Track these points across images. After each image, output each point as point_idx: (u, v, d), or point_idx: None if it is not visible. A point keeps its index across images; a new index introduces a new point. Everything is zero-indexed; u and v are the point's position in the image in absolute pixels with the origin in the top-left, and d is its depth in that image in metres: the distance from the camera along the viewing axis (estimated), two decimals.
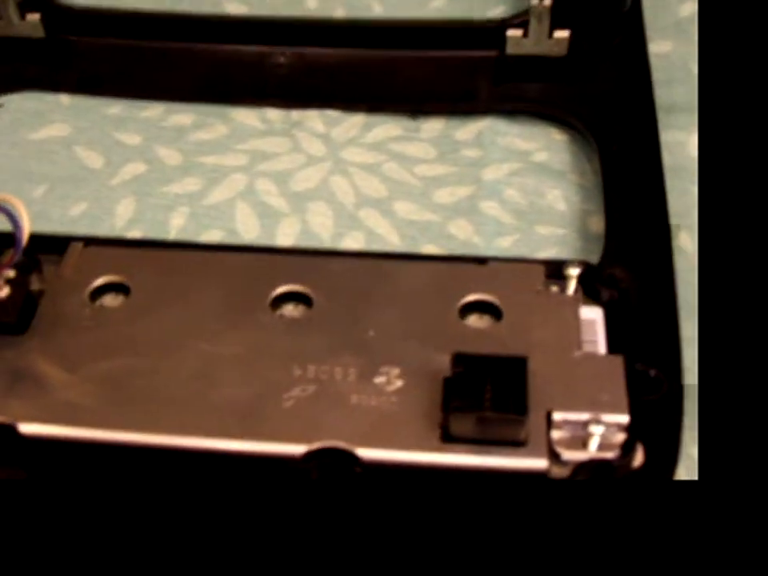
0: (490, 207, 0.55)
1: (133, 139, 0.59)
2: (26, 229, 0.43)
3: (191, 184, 0.56)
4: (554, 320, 0.44)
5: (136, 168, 0.57)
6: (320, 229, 0.54)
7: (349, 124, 0.59)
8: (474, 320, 0.46)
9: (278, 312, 0.46)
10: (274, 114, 0.59)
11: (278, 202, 0.55)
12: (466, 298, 0.45)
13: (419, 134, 0.58)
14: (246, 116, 0.59)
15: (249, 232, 0.54)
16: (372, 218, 0.55)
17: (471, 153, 0.57)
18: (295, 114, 0.59)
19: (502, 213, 0.54)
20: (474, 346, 0.43)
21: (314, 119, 0.59)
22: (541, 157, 0.57)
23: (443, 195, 0.56)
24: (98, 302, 0.47)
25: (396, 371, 0.43)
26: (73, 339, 0.44)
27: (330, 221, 0.55)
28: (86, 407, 0.42)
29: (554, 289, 0.46)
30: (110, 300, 0.47)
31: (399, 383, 0.42)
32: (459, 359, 0.41)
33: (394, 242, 0.54)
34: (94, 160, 0.58)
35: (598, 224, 0.54)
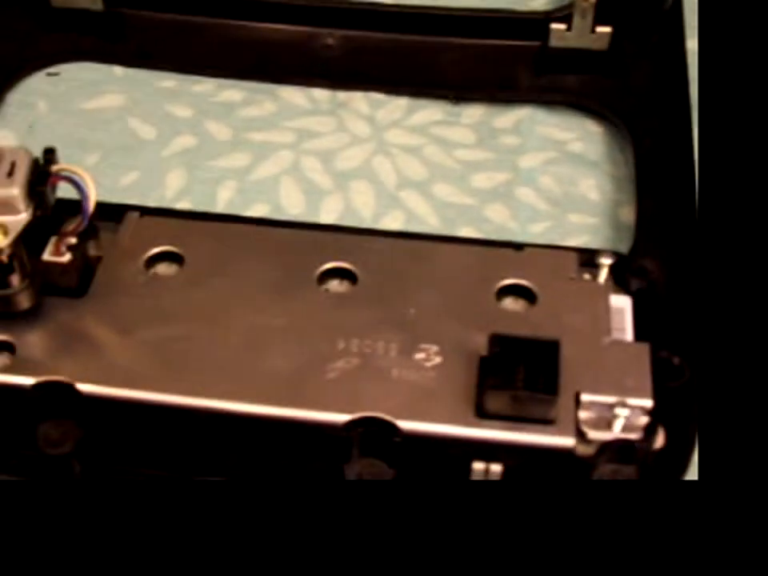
0: (525, 194, 0.57)
1: (184, 112, 0.61)
2: (93, 200, 0.46)
3: (239, 159, 0.58)
4: (585, 306, 0.46)
5: (186, 141, 0.59)
6: (362, 207, 0.56)
7: (393, 106, 0.61)
8: (509, 303, 0.48)
9: (324, 287, 0.48)
10: (320, 93, 0.62)
11: (322, 179, 0.58)
12: (502, 281, 0.48)
13: (460, 120, 0.60)
14: (293, 95, 0.62)
15: (293, 207, 0.56)
16: (412, 199, 0.57)
17: (509, 140, 0.59)
18: (341, 95, 0.62)
19: (537, 200, 0.57)
20: (508, 327, 0.45)
21: (360, 100, 0.61)
22: (576, 147, 0.59)
23: (481, 180, 0.58)
24: (152, 270, 0.49)
25: (435, 348, 0.45)
26: (128, 305, 0.47)
27: (371, 200, 0.57)
28: (139, 370, 0.45)
29: (587, 276, 0.48)
30: (163, 268, 0.50)
31: (438, 360, 0.45)
32: (495, 340, 0.43)
33: (432, 223, 0.56)
34: (146, 131, 0.60)
35: (628, 214, 0.56)
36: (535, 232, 0.55)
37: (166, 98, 0.61)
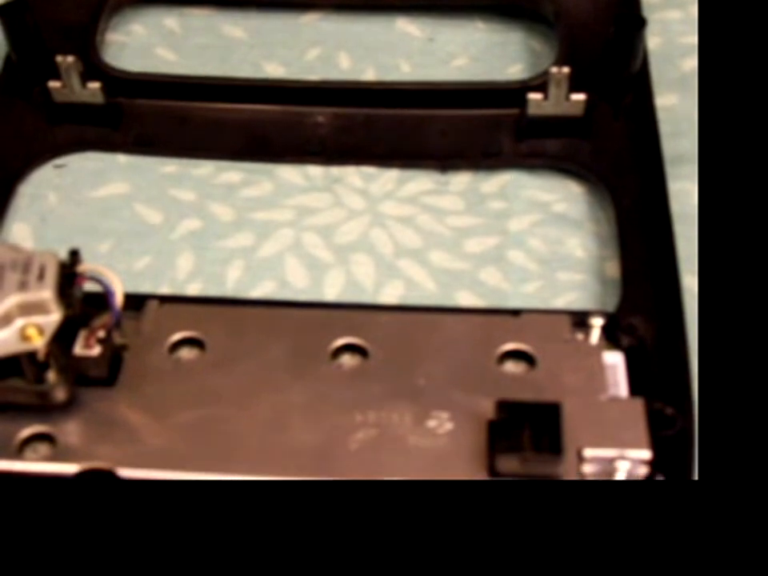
0: (515, 256, 0.61)
1: (188, 196, 0.64)
2: (120, 297, 0.49)
3: (244, 239, 0.62)
4: (581, 366, 0.50)
5: (192, 223, 0.63)
6: (363, 278, 0.60)
7: (384, 179, 0.65)
8: (510, 366, 0.52)
9: (337, 362, 0.52)
10: (315, 170, 0.65)
11: (323, 254, 0.61)
12: (502, 347, 0.51)
13: (449, 188, 0.64)
14: (289, 173, 0.65)
15: (299, 282, 0.60)
16: (410, 268, 0.60)
17: (497, 205, 0.63)
18: (335, 171, 0.65)
19: (527, 261, 0.60)
20: (512, 391, 0.49)
21: (353, 175, 0.65)
22: (560, 208, 0.63)
23: (473, 245, 0.61)
24: (175, 355, 0.52)
25: (445, 415, 0.49)
26: (157, 390, 0.50)
27: (371, 270, 0.60)
28: (172, 452, 0.48)
29: (580, 337, 0.52)
30: (186, 353, 0.53)
31: (449, 426, 0.48)
32: (502, 406, 0.47)
33: (430, 289, 0.59)
34: (153, 216, 0.63)
35: (613, 269, 0.60)
36: (527, 292, 0.59)
37: (169, 182, 0.65)
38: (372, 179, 0.64)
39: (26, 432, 0.49)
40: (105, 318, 0.50)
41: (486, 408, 0.48)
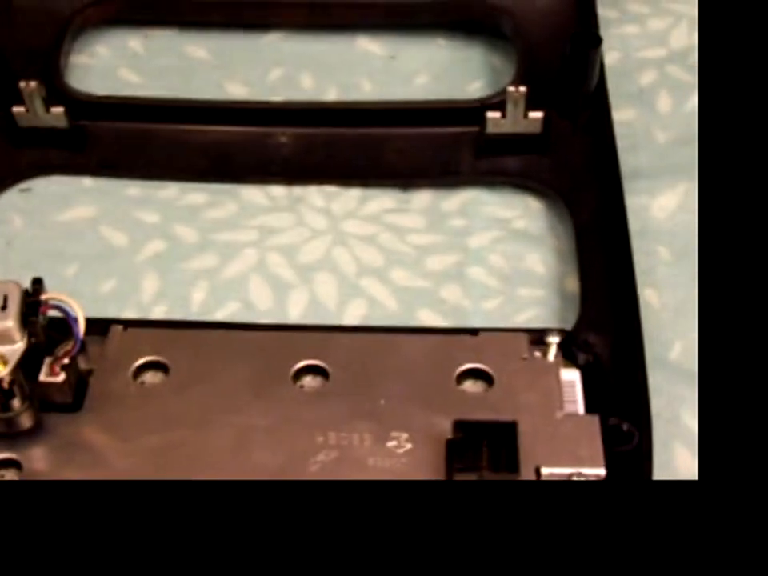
0: (476, 273, 0.62)
1: (152, 218, 0.65)
2: (82, 325, 0.50)
3: (208, 260, 0.63)
4: (538, 384, 0.51)
5: (157, 246, 0.64)
6: (326, 298, 0.61)
7: (346, 198, 0.65)
8: (469, 385, 0.53)
9: (299, 384, 0.53)
10: (278, 190, 0.66)
11: (287, 273, 0.62)
12: (461, 366, 0.52)
13: (410, 206, 0.65)
14: (253, 194, 0.66)
15: (263, 303, 0.61)
16: (372, 286, 0.61)
17: (457, 222, 0.64)
18: (297, 190, 0.66)
19: (488, 277, 0.61)
20: (470, 410, 0.50)
21: (315, 194, 0.66)
22: (520, 224, 0.64)
23: (434, 262, 0.62)
24: (140, 379, 0.53)
25: (405, 435, 0.50)
26: (122, 414, 0.51)
27: (334, 290, 0.61)
28: (137, 476, 0.49)
29: (537, 354, 0.53)
30: (150, 377, 0.54)
31: (408, 446, 0.49)
32: (459, 425, 0.48)
33: (392, 308, 0.60)
34: (118, 238, 0.64)
35: (573, 284, 0.60)
36: (488, 308, 0.60)
37: (133, 205, 0.65)
38: (334, 198, 0.65)
39: None
40: (68, 345, 0.50)
41: (445, 427, 0.49)
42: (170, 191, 0.66)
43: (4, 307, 0.49)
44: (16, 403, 0.50)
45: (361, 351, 0.53)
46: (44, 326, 0.51)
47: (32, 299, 0.50)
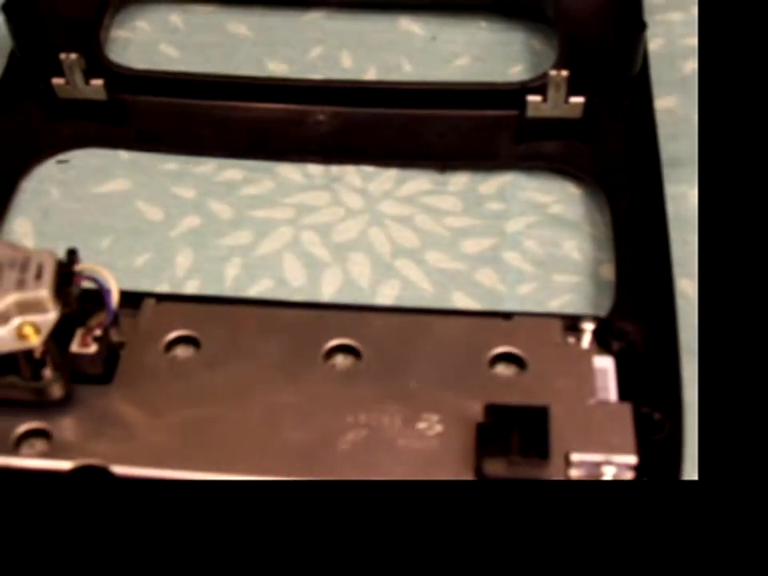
0: (512, 257, 0.61)
1: (188, 193, 0.65)
2: (116, 297, 0.50)
3: (242, 237, 0.63)
4: (571, 370, 0.51)
5: (192, 221, 0.63)
6: (360, 278, 0.61)
7: (383, 178, 0.65)
8: (501, 369, 0.52)
9: (330, 363, 0.52)
10: (315, 169, 0.66)
11: (321, 252, 0.62)
12: (493, 350, 0.52)
13: (447, 188, 0.65)
14: (289, 171, 0.66)
15: (296, 281, 0.60)
16: (406, 268, 0.61)
17: (494, 206, 0.63)
18: (334, 170, 0.66)
19: (523, 262, 0.61)
20: (501, 394, 0.50)
21: (352, 174, 0.65)
22: (557, 209, 0.63)
23: (470, 245, 0.62)
24: (171, 354, 0.53)
25: (435, 417, 0.49)
26: (152, 388, 0.51)
27: (368, 270, 0.61)
28: (167, 450, 0.49)
29: (571, 340, 0.52)
30: (181, 351, 0.54)
31: (439, 428, 0.49)
32: (490, 409, 0.48)
33: (426, 290, 0.60)
34: (153, 213, 0.64)
35: (608, 272, 0.60)
36: (522, 294, 0.59)
37: (170, 180, 0.65)
38: (371, 178, 0.65)
39: (23, 428, 0.50)
40: (101, 317, 0.50)
41: (476, 411, 0.49)
42: (207, 167, 0.66)
43: (38, 276, 0.49)
44: (47, 373, 0.50)
45: (393, 332, 0.53)
46: (77, 296, 0.51)
47: (66, 269, 0.50)
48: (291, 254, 0.62)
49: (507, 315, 0.54)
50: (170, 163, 0.66)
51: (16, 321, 0.49)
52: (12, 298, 0.48)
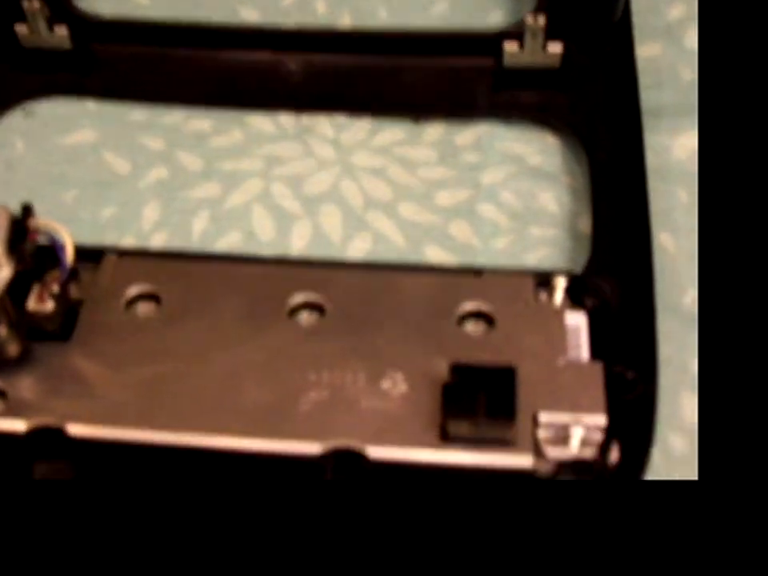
0: (487, 210, 0.59)
1: (156, 144, 0.63)
2: (70, 252, 0.48)
3: (211, 189, 0.61)
4: (541, 328, 0.49)
5: (160, 173, 0.62)
6: (331, 231, 0.59)
7: (356, 129, 0.63)
8: (470, 327, 0.51)
9: (295, 320, 0.51)
10: (286, 119, 0.64)
11: (291, 205, 0.60)
12: (463, 307, 0.50)
13: (422, 139, 0.63)
14: (260, 121, 0.64)
15: (265, 234, 0.59)
16: (379, 221, 0.59)
17: (470, 157, 0.62)
18: (306, 119, 0.64)
19: (499, 215, 0.59)
20: (469, 352, 0.48)
21: (324, 124, 0.64)
22: (535, 160, 0.61)
23: (444, 198, 0.60)
24: (132, 310, 0.51)
25: (400, 376, 0.48)
26: (112, 345, 0.50)
27: (339, 223, 0.59)
28: (125, 409, 0.48)
29: (543, 297, 0.51)
30: (143, 308, 0.52)
31: (403, 387, 0.48)
32: (456, 369, 0.46)
33: (398, 243, 0.58)
34: (120, 165, 0.62)
35: (586, 225, 0.58)
36: (497, 247, 0.58)
37: (137, 130, 0.64)
38: (343, 128, 0.63)
39: None
40: (57, 273, 0.49)
41: (442, 370, 0.47)
42: (176, 117, 0.64)
43: None
44: (2, 330, 0.48)
45: (360, 288, 0.51)
46: (32, 252, 0.49)
47: (20, 225, 0.48)
48: (261, 206, 0.60)
49: (477, 272, 0.52)
50: (138, 113, 0.65)
51: None
52: None
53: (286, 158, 0.62)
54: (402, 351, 0.49)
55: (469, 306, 0.50)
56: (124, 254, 0.54)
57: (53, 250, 0.50)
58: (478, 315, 0.51)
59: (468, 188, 0.60)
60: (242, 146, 0.63)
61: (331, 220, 0.59)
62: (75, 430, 0.47)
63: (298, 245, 0.58)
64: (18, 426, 0.47)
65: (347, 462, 0.46)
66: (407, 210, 0.60)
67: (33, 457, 0.47)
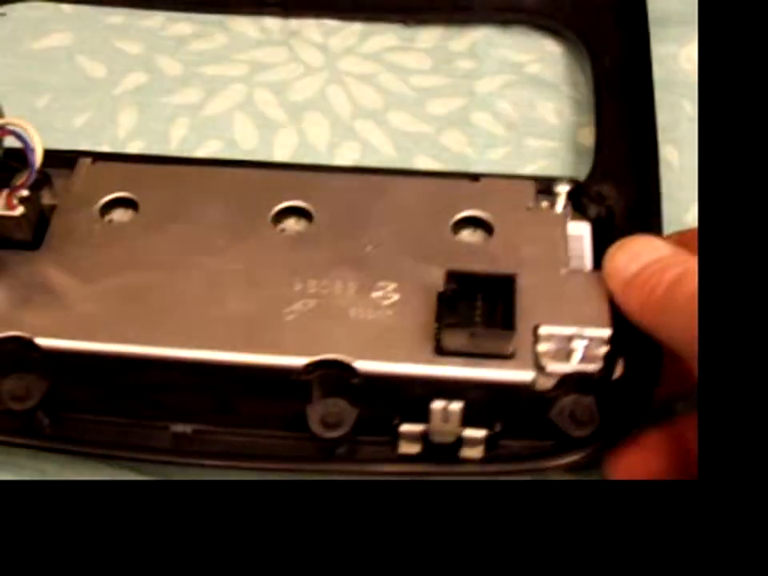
0: (482, 119, 0.56)
1: (134, 48, 0.60)
2: (39, 152, 0.45)
3: (191, 95, 0.58)
4: (543, 237, 0.46)
5: (137, 78, 0.58)
6: (316, 139, 0.56)
7: (346, 33, 0.60)
8: (466, 235, 0.48)
9: (280, 227, 0.48)
10: (271, 22, 0.61)
11: (275, 112, 0.57)
12: (459, 213, 0.47)
13: (414, 44, 0.60)
14: (244, 25, 0.61)
15: (247, 142, 0.56)
16: (367, 130, 0.56)
17: (465, 64, 0.59)
18: (293, 23, 0.60)
19: (494, 125, 0.56)
20: (466, 261, 0.45)
21: (312, 28, 0.60)
22: (534, 69, 0.58)
23: (437, 106, 0.57)
24: (107, 217, 0.48)
25: (392, 285, 0.45)
26: (85, 254, 0.46)
27: (326, 131, 0.56)
28: (98, 321, 0.44)
29: (544, 204, 0.48)
30: (119, 215, 0.49)
31: (395, 297, 0.44)
32: (452, 277, 0.43)
33: (388, 153, 0.55)
34: (96, 69, 0.59)
35: (588, 137, 0.55)
36: (493, 158, 0.55)
37: (114, 34, 0.60)
38: (332, 33, 0.60)
39: None
40: (25, 176, 0.45)
41: (437, 279, 0.44)
42: (155, 20, 0.61)
43: None
44: None
45: (349, 193, 0.48)
46: (1, 154, 0.45)
47: None
48: (243, 113, 0.57)
49: (474, 177, 0.49)
50: (115, 16, 0.61)
51: None
52: None
53: (271, 63, 0.59)
54: (393, 260, 0.45)
55: (465, 212, 0.47)
56: (99, 157, 0.50)
57: (20, 153, 0.46)
58: (474, 222, 0.47)
59: (462, 96, 0.57)
60: (224, 50, 0.60)
61: (317, 129, 0.56)
62: (46, 342, 0.44)
63: (282, 153, 0.55)
64: None
65: (335, 376, 0.43)
66: (398, 118, 0.57)
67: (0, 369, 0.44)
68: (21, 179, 0.46)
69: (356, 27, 0.60)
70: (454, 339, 0.42)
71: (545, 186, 0.48)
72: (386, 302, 0.44)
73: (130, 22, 0.61)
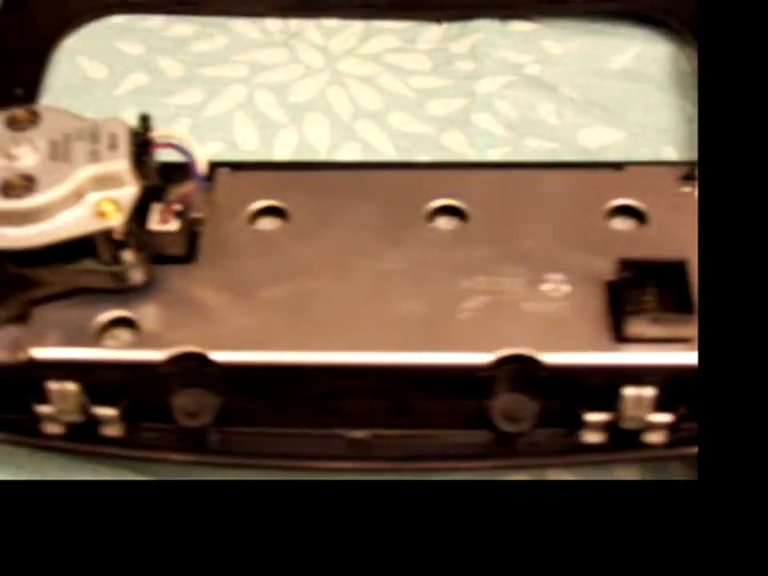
0: (482, 119, 0.56)
1: (134, 49, 0.60)
2: (202, 163, 0.44)
3: (192, 95, 0.58)
4: (694, 220, 0.45)
5: (138, 79, 0.58)
6: (317, 141, 0.56)
7: (346, 35, 0.60)
8: (619, 223, 0.47)
9: (434, 225, 0.47)
10: (272, 24, 0.61)
11: (276, 113, 0.57)
12: (610, 203, 0.47)
13: (415, 46, 0.60)
14: (244, 26, 0.61)
15: (247, 143, 0.56)
16: (367, 130, 0.56)
17: (465, 65, 0.59)
18: (293, 24, 0.60)
19: (494, 125, 0.56)
20: (624, 248, 0.45)
21: (312, 29, 0.60)
22: (534, 70, 0.58)
23: (437, 107, 0.57)
24: (255, 226, 0.47)
25: (560, 277, 0.44)
26: (241, 265, 0.45)
27: (326, 132, 0.56)
28: (269, 331, 0.43)
29: (687, 190, 0.47)
30: (266, 223, 0.47)
31: (566, 288, 0.44)
32: (624, 264, 0.43)
33: (388, 154, 0.55)
34: (96, 70, 0.59)
35: (587, 138, 0.55)
36: (493, 159, 0.55)
37: (115, 34, 0.60)
38: (333, 34, 0.60)
39: (105, 317, 0.43)
40: (180, 190, 0.44)
41: (602, 268, 0.44)
42: (155, 21, 0.61)
43: (113, 146, 0.41)
44: (128, 255, 0.42)
45: (498, 189, 0.47)
46: (155, 168, 0.44)
47: (142, 137, 0.43)
48: (244, 114, 0.57)
49: (618, 165, 0.49)
50: (117, 17, 0.61)
51: (92, 197, 0.41)
52: (87, 171, 0.41)
53: (271, 64, 0.59)
54: (555, 252, 0.45)
55: (616, 201, 0.47)
56: (236, 167, 0.49)
57: (168, 165, 0.45)
58: (625, 210, 0.47)
59: (462, 97, 0.57)
60: (225, 51, 0.60)
61: (317, 129, 0.56)
62: (222, 357, 0.43)
63: (282, 155, 0.55)
64: (156, 356, 0.42)
65: (522, 370, 0.43)
66: (398, 119, 0.57)
67: (172, 387, 0.43)
68: (175, 193, 0.44)
69: (356, 28, 0.60)
70: (638, 326, 0.42)
71: (687, 172, 0.48)
72: (557, 294, 0.44)
73: (130, 23, 0.61)
